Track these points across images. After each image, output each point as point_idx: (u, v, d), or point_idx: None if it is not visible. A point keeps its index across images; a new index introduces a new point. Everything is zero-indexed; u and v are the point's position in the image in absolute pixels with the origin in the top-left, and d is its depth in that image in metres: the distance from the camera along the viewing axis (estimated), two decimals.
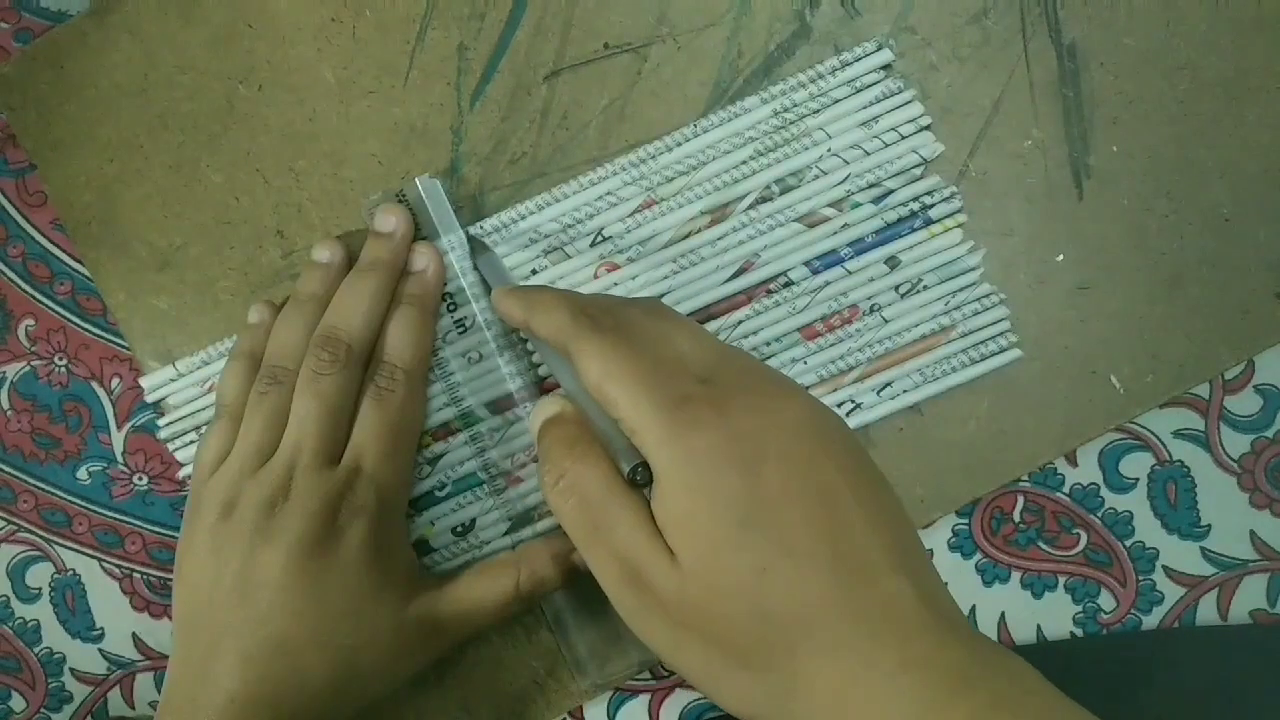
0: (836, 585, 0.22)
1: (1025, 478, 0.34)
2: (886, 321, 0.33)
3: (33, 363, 0.38)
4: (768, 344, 0.33)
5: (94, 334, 0.38)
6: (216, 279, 0.36)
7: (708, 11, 0.35)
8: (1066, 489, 0.34)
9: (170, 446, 0.36)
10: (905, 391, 0.33)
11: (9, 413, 0.38)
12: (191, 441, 0.36)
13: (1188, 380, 0.33)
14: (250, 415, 0.32)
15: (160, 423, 0.36)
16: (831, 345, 0.33)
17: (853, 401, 0.33)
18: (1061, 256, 0.34)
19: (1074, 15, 0.34)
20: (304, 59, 0.36)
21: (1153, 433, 0.34)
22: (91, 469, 0.38)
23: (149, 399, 0.36)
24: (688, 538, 0.24)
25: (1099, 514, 0.34)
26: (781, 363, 0.33)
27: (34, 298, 0.38)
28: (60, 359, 0.38)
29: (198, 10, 0.36)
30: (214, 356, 0.36)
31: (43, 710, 0.38)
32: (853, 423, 0.33)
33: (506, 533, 0.34)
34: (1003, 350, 0.33)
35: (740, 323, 0.34)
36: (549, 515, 0.34)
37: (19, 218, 0.38)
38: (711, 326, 0.34)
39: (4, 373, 0.38)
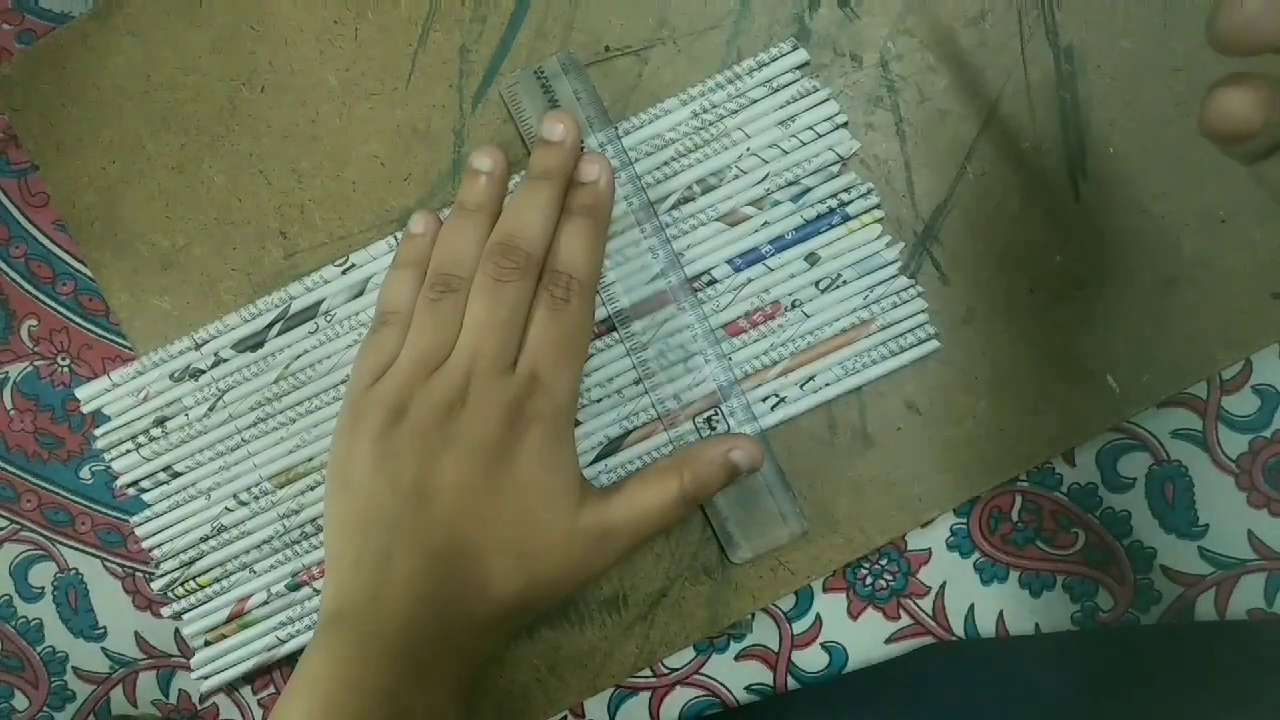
0: None
1: (1023, 477, 0.35)
2: (808, 317, 0.34)
3: (35, 363, 0.38)
4: (694, 341, 0.34)
5: (96, 334, 0.38)
6: (219, 279, 0.36)
7: (708, 15, 0.35)
8: (1064, 488, 0.35)
9: (106, 456, 0.36)
10: (828, 385, 0.34)
11: (12, 412, 0.38)
12: (128, 450, 0.36)
13: (1184, 380, 0.33)
14: (420, 321, 0.32)
15: (96, 433, 0.36)
16: (755, 341, 0.34)
17: (776, 396, 0.34)
18: (1058, 257, 0.34)
19: (1071, 18, 0.34)
20: (306, 61, 0.36)
21: (1150, 432, 0.34)
22: (94, 468, 0.38)
23: (85, 409, 0.36)
24: None
25: (1097, 513, 0.34)
26: (707, 359, 0.34)
27: (36, 298, 0.38)
28: (63, 359, 0.38)
29: (200, 12, 0.36)
30: (148, 367, 0.36)
31: (45, 709, 0.38)
32: (776, 417, 0.34)
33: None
34: (921, 342, 0.34)
35: (666, 321, 0.34)
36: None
37: (21, 218, 0.38)
38: (639, 325, 0.34)
39: (7, 373, 0.38)
